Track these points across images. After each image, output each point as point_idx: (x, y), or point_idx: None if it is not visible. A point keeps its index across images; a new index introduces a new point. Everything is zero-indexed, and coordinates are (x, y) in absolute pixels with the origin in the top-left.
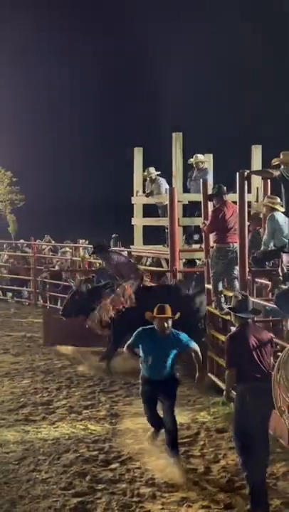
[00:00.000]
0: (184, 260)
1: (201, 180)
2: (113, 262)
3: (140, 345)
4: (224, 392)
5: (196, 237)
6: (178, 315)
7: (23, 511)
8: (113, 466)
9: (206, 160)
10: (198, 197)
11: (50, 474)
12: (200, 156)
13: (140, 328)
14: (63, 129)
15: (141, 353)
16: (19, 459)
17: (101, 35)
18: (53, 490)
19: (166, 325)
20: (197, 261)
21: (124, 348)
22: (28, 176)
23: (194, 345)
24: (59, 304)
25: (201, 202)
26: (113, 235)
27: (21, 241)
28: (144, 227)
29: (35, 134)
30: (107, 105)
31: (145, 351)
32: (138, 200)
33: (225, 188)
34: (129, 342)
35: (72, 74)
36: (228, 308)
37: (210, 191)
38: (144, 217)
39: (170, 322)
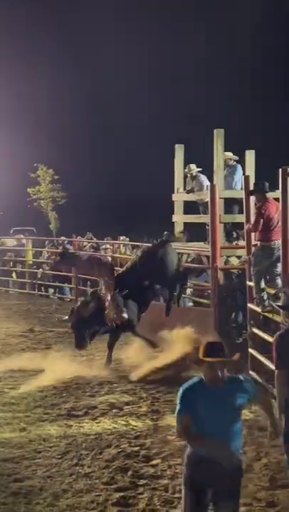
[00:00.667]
0: (224, 257)
1: (243, 176)
2: (79, 264)
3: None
4: (276, 397)
5: (235, 234)
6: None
7: (66, 505)
8: (154, 462)
9: (234, 157)
10: (232, 193)
11: (92, 469)
12: (227, 153)
13: (182, 388)
14: (105, 126)
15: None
16: (62, 453)
17: (146, 35)
18: (95, 484)
19: (220, 373)
20: (235, 258)
21: (177, 434)
22: (70, 174)
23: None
24: None
25: (232, 198)
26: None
27: (62, 238)
28: (185, 224)
29: (76, 132)
30: (149, 102)
31: (198, 417)
32: (179, 197)
33: (267, 184)
34: (178, 415)
35: (113, 72)
36: (278, 306)
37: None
38: (184, 214)
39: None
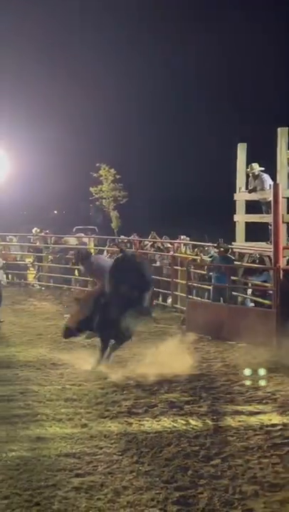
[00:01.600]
0: (287, 257)
1: None
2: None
3: None
4: None
5: None
6: None
7: (126, 501)
8: (214, 462)
9: None
10: None
11: (152, 467)
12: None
13: None
14: (166, 126)
15: None
16: (122, 450)
17: (208, 33)
18: (155, 482)
19: None
20: None
21: None
22: (131, 173)
23: None
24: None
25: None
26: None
27: (121, 237)
28: (247, 223)
29: (138, 132)
30: (209, 101)
31: None
32: (240, 197)
33: None
34: None
35: (175, 71)
36: None
37: None
38: (246, 213)
39: None
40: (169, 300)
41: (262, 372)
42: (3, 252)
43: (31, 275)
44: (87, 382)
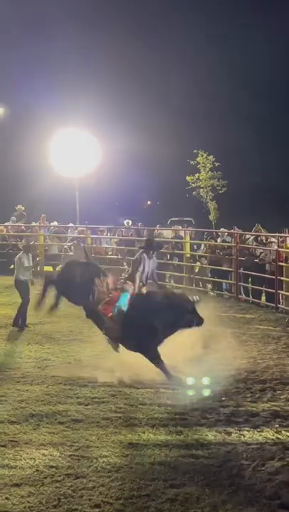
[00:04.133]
0: None
1: None
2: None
3: None
4: None
5: None
6: None
7: None
8: None
9: None
10: None
11: (253, 481)
12: None
13: None
14: (268, 113)
15: None
16: (221, 461)
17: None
18: (257, 498)
19: None
20: None
21: None
22: (231, 161)
23: None
24: (263, 298)
25: None
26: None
27: (222, 230)
28: None
29: (237, 116)
30: None
31: None
32: None
33: None
34: None
35: (273, 62)
36: None
37: None
38: None
39: None
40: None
41: None
42: (93, 245)
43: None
44: (182, 388)
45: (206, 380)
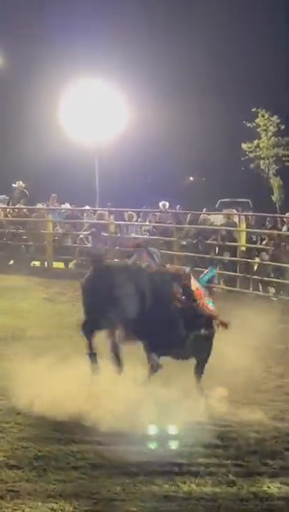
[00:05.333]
0: None
1: None
2: None
3: None
4: None
5: None
6: None
7: None
8: None
9: None
10: None
11: None
12: None
13: None
14: None
15: None
16: None
17: None
18: None
19: None
20: None
21: None
22: None
23: None
24: None
25: None
26: None
27: (287, 214)
28: None
29: None
30: None
31: None
32: None
33: None
34: None
35: None
36: None
37: None
38: None
39: None
40: None
41: None
42: (118, 235)
43: None
44: (236, 423)
45: (265, 414)
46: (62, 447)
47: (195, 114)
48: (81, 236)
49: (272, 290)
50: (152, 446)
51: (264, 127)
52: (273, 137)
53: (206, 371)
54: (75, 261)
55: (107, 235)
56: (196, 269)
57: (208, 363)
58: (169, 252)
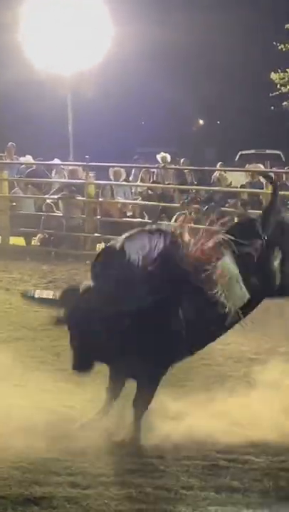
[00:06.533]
0: None
1: None
2: None
3: None
4: None
5: None
6: None
7: None
8: None
9: None
10: None
11: None
12: None
13: None
14: None
15: None
16: None
17: None
18: None
19: None
20: None
21: None
22: None
23: None
24: None
25: None
26: None
27: None
28: None
29: None
30: None
31: None
32: None
33: None
34: None
35: None
36: None
37: None
38: None
39: None
40: None
41: None
42: (99, 199)
43: None
44: None
45: None
46: (23, 491)
47: (207, 32)
48: (48, 201)
49: None
50: (142, 488)
51: None
52: None
53: None
54: (39, 235)
55: (85, 199)
56: None
57: None
58: (168, 222)
